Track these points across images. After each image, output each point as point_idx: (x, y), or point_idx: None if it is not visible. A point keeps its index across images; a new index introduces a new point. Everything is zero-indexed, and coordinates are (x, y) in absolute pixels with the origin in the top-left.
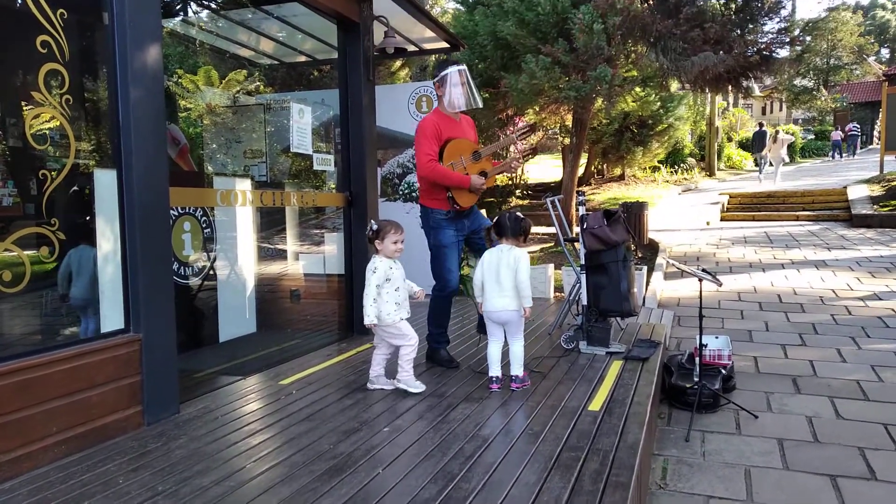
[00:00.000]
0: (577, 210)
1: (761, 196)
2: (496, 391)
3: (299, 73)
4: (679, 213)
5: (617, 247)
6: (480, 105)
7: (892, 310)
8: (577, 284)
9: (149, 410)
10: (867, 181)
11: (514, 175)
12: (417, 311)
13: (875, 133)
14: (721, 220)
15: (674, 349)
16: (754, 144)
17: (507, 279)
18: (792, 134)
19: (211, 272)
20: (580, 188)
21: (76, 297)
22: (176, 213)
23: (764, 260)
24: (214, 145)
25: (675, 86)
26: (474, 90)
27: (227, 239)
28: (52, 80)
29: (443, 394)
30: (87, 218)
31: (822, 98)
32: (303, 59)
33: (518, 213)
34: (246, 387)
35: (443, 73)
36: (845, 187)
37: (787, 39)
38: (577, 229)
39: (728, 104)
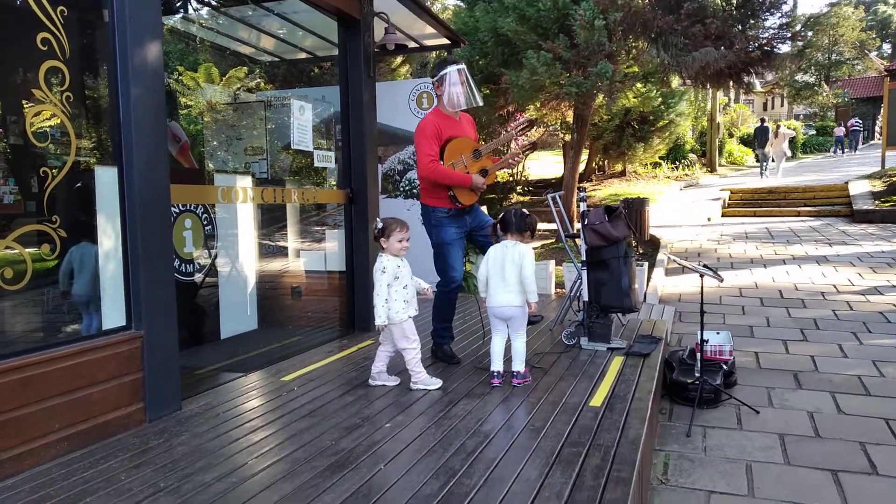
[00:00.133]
0: (579, 206)
1: (762, 192)
2: (498, 387)
3: (300, 69)
4: (680, 209)
5: (618, 243)
6: (480, 103)
7: (894, 305)
8: (579, 280)
9: (150, 407)
10: (868, 177)
11: (514, 171)
12: (421, 308)
13: (877, 128)
14: (722, 215)
15: (675, 345)
16: (756, 140)
17: (511, 275)
18: (793, 129)
19: (212, 269)
20: (581, 184)
21: (77, 295)
22: (177, 211)
23: (765, 255)
24: (215, 142)
25: (676, 81)
26: (474, 88)
27: (228, 236)
28: (52, 77)
29: (444, 389)
30: (89, 215)
31: (824, 94)
32: (303, 55)
33: (523, 210)
34: (247, 383)
35: (442, 73)
36: (847, 183)
37: (789, 35)
38: (578, 225)
39: (729, 100)
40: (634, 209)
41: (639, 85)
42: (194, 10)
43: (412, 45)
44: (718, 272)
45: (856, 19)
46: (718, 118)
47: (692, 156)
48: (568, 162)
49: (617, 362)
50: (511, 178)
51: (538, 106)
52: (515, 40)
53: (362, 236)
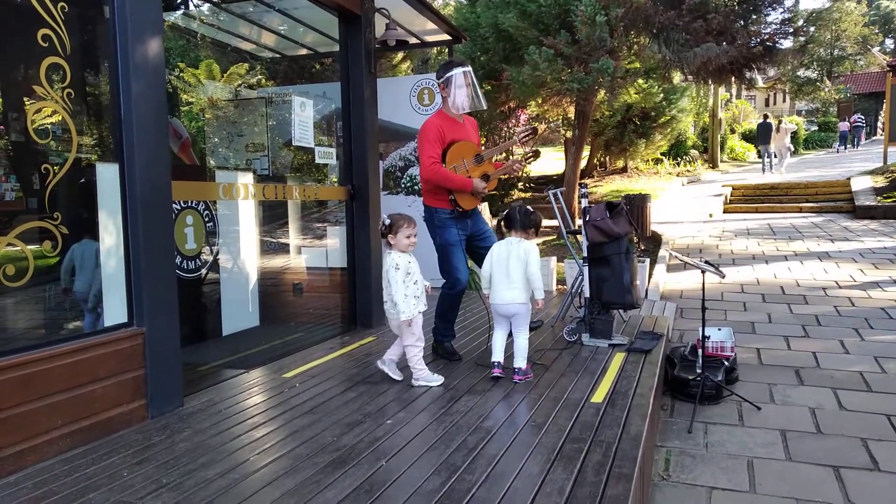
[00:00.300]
0: (580, 202)
1: (764, 188)
2: (500, 384)
3: (301, 66)
4: (682, 205)
5: (620, 239)
6: (485, 107)
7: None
8: (580, 277)
9: (153, 404)
10: (871, 172)
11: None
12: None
13: (879, 124)
14: (724, 212)
15: (676, 341)
16: (759, 136)
17: (516, 271)
18: (794, 125)
19: (214, 266)
20: (583, 180)
21: (79, 292)
22: (178, 207)
23: (767, 252)
24: (216, 139)
25: (677, 77)
26: (479, 91)
27: (229, 232)
28: (53, 74)
29: (446, 386)
30: (90, 212)
31: (826, 89)
32: (304, 52)
33: (528, 207)
34: (249, 380)
35: (448, 75)
36: (849, 179)
37: (791, 30)
38: (579, 222)
39: (731, 96)
40: (636, 205)
41: (640, 81)
42: (195, 7)
43: (413, 41)
44: (720, 268)
45: (858, 14)
46: (720, 114)
47: (694, 152)
48: (569, 158)
49: (618, 359)
50: (512, 175)
51: (539, 102)
52: (517, 36)
53: (364, 233)
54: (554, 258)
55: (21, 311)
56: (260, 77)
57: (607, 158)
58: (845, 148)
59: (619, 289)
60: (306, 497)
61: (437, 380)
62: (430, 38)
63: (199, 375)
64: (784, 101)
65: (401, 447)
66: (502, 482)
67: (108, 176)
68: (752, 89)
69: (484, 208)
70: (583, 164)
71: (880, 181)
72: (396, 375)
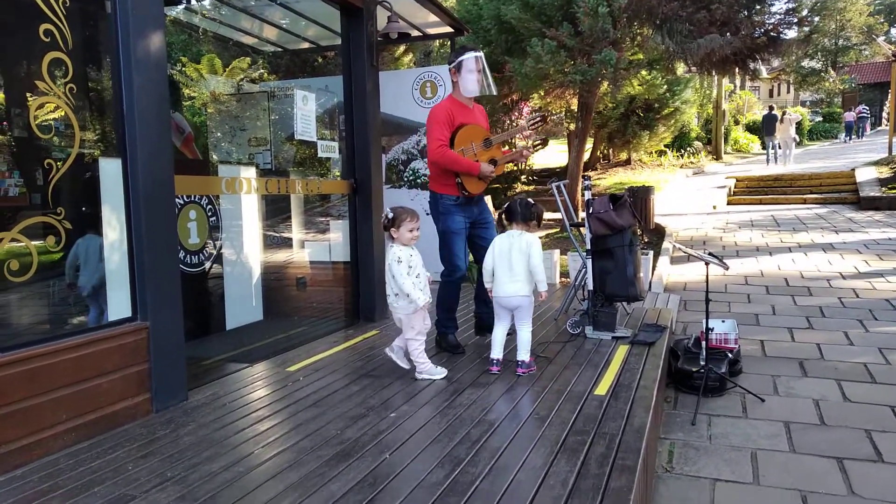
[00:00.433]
0: (583, 195)
1: (768, 179)
2: (503, 376)
3: (303, 59)
4: (685, 197)
5: (623, 231)
6: (495, 92)
7: None
8: (583, 269)
9: (157, 398)
10: (875, 163)
11: (519, 161)
12: None
13: (884, 115)
14: (728, 203)
15: (680, 333)
16: (764, 128)
17: (519, 264)
18: (799, 115)
19: (217, 260)
20: (586, 173)
21: (83, 286)
22: (182, 202)
23: (771, 243)
24: (219, 133)
25: (681, 69)
26: (489, 77)
27: (232, 227)
28: (55, 69)
29: (449, 379)
30: (93, 207)
31: (831, 80)
32: (306, 45)
33: (529, 199)
34: (253, 374)
35: (459, 59)
36: (853, 170)
37: (795, 20)
38: (582, 214)
39: (735, 87)
40: (639, 197)
41: (643, 72)
42: (197, 1)
43: (415, 33)
44: (724, 260)
45: (863, 4)
46: (724, 105)
47: (697, 143)
48: (572, 151)
49: (622, 351)
50: (515, 168)
51: (542, 94)
52: (519, 28)
53: (366, 226)
54: (557, 251)
55: (25, 306)
56: (262, 71)
57: (611, 151)
58: (850, 138)
59: (623, 281)
60: (310, 490)
61: (440, 373)
62: (432, 31)
63: (203, 369)
64: (788, 91)
65: (404, 440)
66: (506, 475)
67: (110, 171)
68: (756, 80)
69: (487, 201)
70: (586, 156)
71: (885, 172)
72: (403, 363)
